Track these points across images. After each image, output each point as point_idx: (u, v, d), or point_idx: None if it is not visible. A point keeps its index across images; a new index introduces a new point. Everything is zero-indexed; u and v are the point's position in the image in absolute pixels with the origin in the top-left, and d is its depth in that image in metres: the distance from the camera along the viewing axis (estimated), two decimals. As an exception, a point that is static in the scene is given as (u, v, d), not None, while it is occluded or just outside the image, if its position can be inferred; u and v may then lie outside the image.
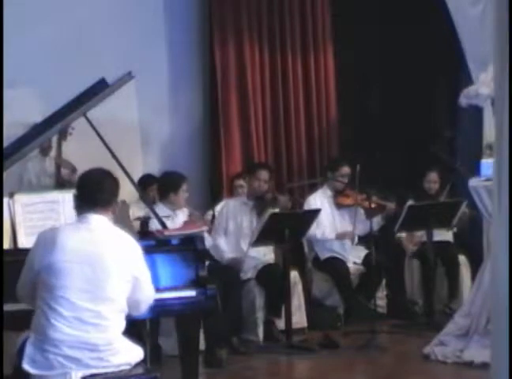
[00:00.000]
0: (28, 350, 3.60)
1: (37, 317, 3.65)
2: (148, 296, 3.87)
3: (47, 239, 3.69)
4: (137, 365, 3.77)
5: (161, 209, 6.57)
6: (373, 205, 7.21)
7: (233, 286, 6.66)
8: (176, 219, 6.49)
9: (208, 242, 6.58)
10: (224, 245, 6.99)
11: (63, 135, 6.81)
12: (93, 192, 3.76)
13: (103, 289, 3.61)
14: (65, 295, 3.58)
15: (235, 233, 7.05)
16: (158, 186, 6.93)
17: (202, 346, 5.90)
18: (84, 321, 3.59)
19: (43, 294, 3.62)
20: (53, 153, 7.12)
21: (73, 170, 7.10)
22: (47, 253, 3.62)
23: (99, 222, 3.73)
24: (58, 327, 3.57)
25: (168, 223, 6.02)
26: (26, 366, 3.59)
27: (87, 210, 3.74)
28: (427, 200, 7.56)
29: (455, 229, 7.61)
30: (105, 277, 3.62)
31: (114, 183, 3.85)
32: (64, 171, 7.08)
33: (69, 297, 3.58)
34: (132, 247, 3.79)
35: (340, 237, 7.44)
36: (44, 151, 7.15)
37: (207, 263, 6.38)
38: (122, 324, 3.73)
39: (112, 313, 3.65)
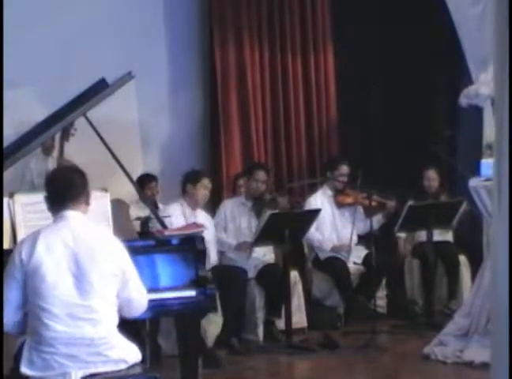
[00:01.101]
0: (25, 353, 3.60)
1: (30, 320, 3.64)
2: (138, 293, 3.84)
3: (28, 244, 3.66)
4: (136, 365, 3.76)
5: (181, 206, 6.60)
6: (373, 203, 7.22)
7: (237, 286, 6.67)
8: (195, 220, 6.47)
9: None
10: (226, 237, 6.99)
11: (65, 135, 6.80)
12: (63, 190, 3.76)
13: (90, 283, 3.61)
14: (54, 293, 3.58)
15: (234, 233, 7.06)
16: (181, 181, 6.94)
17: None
18: (76, 317, 3.59)
19: (32, 297, 3.61)
20: (55, 153, 7.11)
21: None
22: (30, 257, 3.61)
23: (76, 218, 3.73)
24: (51, 325, 3.57)
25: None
26: (24, 369, 3.59)
27: (61, 209, 3.74)
28: (427, 199, 7.57)
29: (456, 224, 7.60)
30: (90, 271, 3.62)
31: (82, 177, 3.83)
32: None
33: (58, 294, 3.58)
34: (112, 241, 3.79)
35: (336, 250, 7.42)
36: (47, 151, 7.14)
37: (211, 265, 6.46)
38: (115, 319, 3.73)
39: (103, 307, 3.64)
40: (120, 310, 3.78)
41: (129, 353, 3.75)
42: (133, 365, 3.74)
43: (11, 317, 3.67)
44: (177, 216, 6.49)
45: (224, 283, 6.09)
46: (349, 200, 7.52)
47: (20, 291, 3.65)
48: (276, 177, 8.07)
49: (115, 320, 3.73)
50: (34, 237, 3.68)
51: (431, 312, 7.29)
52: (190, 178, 6.75)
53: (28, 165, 7.07)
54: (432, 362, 5.94)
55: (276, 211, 6.95)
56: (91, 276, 3.62)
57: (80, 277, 3.61)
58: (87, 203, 3.81)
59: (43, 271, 3.58)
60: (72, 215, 3.72)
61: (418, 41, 8.48)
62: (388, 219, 7.46)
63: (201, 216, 6.70)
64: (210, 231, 6.51)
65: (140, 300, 3.86)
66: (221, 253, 7.10)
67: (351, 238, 7.37)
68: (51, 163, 7.18)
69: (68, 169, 3.93)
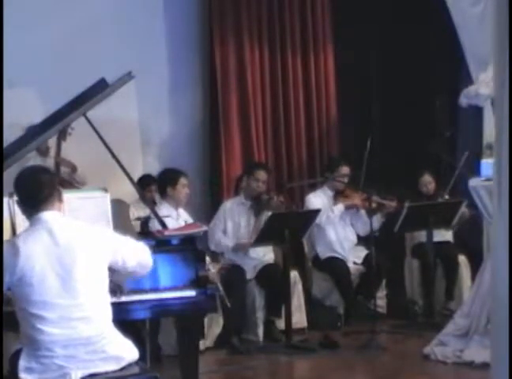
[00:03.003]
0: (23, 361, 3.58)
1: (23, 328, 3.62)
2: (142, 252, 3.88)
3: (10, 253, 3.60)
4: (136, 364, 3.76)
5: (165, 208, 6.57)
6: (373, 205, 7.21)
7: (236, 285, 6.67)
8: (180, 220, 6.47)
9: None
10: (224, 238, 6.98)
11: (63, 135, 6.79)
12: (34, 193, 3.71)
13: (77, 281, 3.59)
14: (44, 299, 3.55)
15: (233, 233, 7.05)
16: (157, 184, 6.93)
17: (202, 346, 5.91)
18: (69, 318, 3.57)
19: (21, 306, 3.59)
20: (52, 153, 7.09)
21: (74, 168, 7.08)
22: (14, 268, 3.56)
23: (53, 218, 3.69)
24: (46, 330, 3.55)
25: (172, 223, 6.02)
26: (23, 375, 3.57)
27: (36, 211, 3.70)
28: (426, 200, 7.57)
29: (455, 228, 7.61)
30: (75, 269, 3.60)
31: (50, 176, 3.81)
32: (64, 170, 7.03)
33: (48, 299, 3.56)
34: (92, 231, 3.78)
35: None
36: (42, 153, 7.13)
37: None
38: (109, 313, 3.72)
39: (94, 303, 3.64)
40: (135, 274, 3.89)
41: (127, 350, 3.75)
42: (133, 365, 3.74)
43: None
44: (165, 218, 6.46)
45: (223, 283, 6.08)
46: (348, 202, 7.51)
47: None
48: (276, 177, 8.06)
49: (109, 315, 3.72)
50: (14, 247, 3.62)
51: (431, 312, 7.29)
52: (168, 181, 6.67)
53: (25, 166, 7.05)
54: (432, 362, 5.95)
55: (277, 211, 6.95)
56: (77, 274, 3.60)
57: (66, 277, 3.59)
58: (60, 200, 3.77)
59: (28, 278, 3.55)
60: (47, 216, 3.69)
61: (418, 41, 8.47)
62: (387, 218, 7.45)
63: (184, 216, 6.67)
64: None
65: (146, 257, 3.91)
66: (220, 254, 7.10)
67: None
68: (49, 165, 7.16)
69: (34, 170, 3.86)
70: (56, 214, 3.72)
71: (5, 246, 3.72)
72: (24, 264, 3.56)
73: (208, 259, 5.63)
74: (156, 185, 7.45)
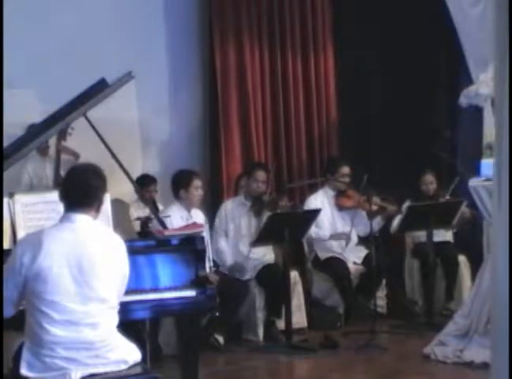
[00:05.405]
0: (25, 356, 3.59)
1: (29, 323, 3.62)
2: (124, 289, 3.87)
3: (32, 246, 3.60)
4: (137, 365, 3.77)
5: (178, 209, 6.57)
6: (374, 207, 7.21)
7: (233, 289, 6.68)
8: (190, 221, 6.45)
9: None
10: (225, 249, 6.99)
11: (63, 135, 6.78)
12: (79, 192, 3.71)
13: (92, 289, 3.60)
14: (55, 299, 3.55)
15: (234, 234, 7.05)
16: (171, 185, 6.91)
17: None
18: (76, 323, 3.57)
19: (32, 300, 3.58)
20: (52, 153, 7.08)
21: (75, 156, 7.05)
22: (33, 260, 3.56)
23: (84, 222, 3.69)
24: (51, 330, 3.55)
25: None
26: (24, 371, 3.58)
27: (71, 209, 3.70)
28: (426, 201, 7.57)
29: (455, 229, 7.62)
30: (94, 277, 3.60)
31: (101, 181, 3.79)
32: (65, 158, 6.91)
33: (59, 300, 3.56)
34: (118, 244, 3.78)
35: (336, 238, 7.43)
36: (42, 152, 7.12)
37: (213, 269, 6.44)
38: (115, 320, 3.73)
39: (103, 311, 3.64)
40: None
41: (129, 353, 3.75)
42: (134, 365, 3.75)
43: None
44: (176, 218, 6.47)
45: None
46: (350, 203, 7.51)
47: (16, 291, 3.62)
48: (276, 177, 8.06)
49: (115, 322, 3.73)
50: (37, 240, 3.62)
51: (430, 312, 7.29)
52: (181, 183, 6.65)
53: (25, 166, 7.05)
54: (432, 362, 5.95)
55: (277, 211, 6.95)
56: (93, 282, 3.60)
57: (82, 283, 3.59)
58: (97, 211, 3.78)
59: (44, 276, 3.55)
60: (80, 218, 3.68)
61: (418, 41, 8.47)
62: (388, 220, 7.46)
63: (196, 217, 6.67)
64: (205, 230, 6.48)
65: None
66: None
67: (350, 231, 7.37)
68: (49, 164, 7.17)
69: (88, 171, 3.81)
70: (89, 219, 3.71)
71: (28, 238, 3.74)
72: (43, 260, 3.56)
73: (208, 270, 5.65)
74: (155, 185, 7.46)
